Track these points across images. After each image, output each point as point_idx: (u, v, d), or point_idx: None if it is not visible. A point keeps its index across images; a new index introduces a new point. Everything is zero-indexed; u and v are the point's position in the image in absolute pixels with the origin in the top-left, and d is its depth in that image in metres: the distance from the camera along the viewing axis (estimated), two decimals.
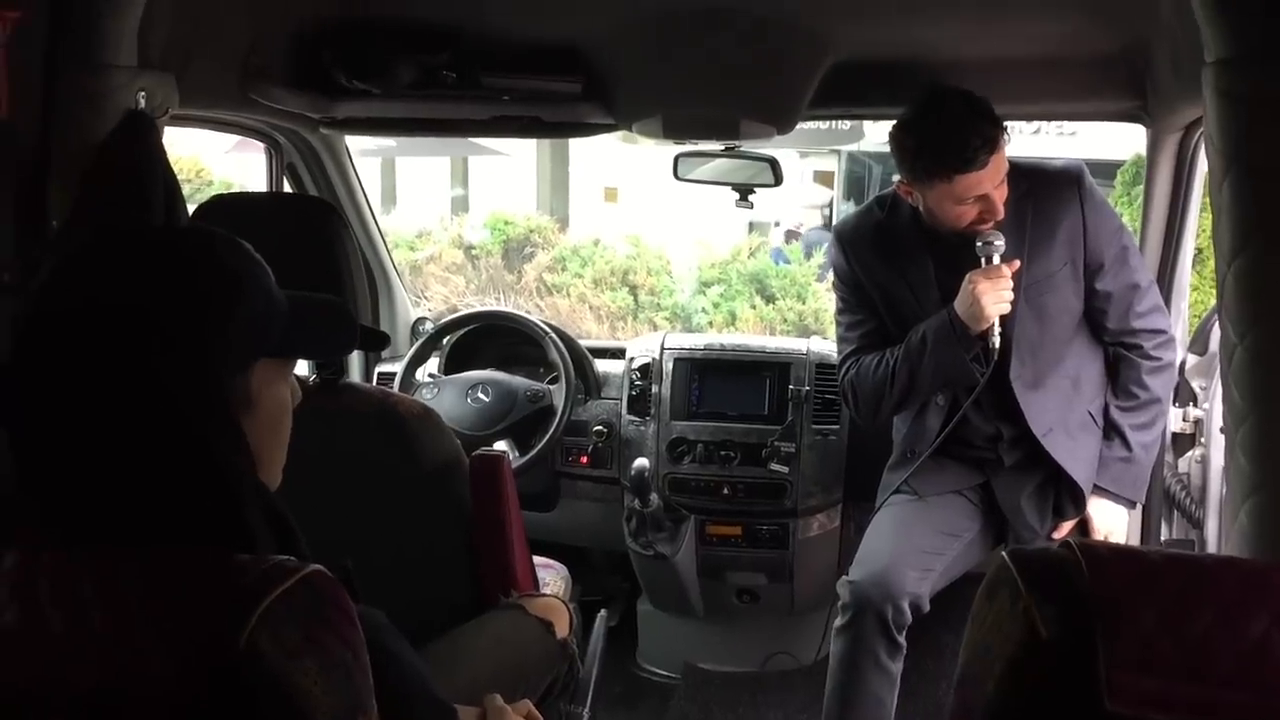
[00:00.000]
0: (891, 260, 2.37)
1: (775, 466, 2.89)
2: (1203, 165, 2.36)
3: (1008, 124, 2.21)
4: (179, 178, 1.82)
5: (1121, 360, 2.37)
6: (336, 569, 0.93)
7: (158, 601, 0.87)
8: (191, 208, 1.81)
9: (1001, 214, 2.20)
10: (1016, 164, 2.27)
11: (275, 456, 1.09)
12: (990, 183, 2.17)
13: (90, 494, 0.95)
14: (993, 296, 2.20)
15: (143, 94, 1.72)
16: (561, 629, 1.79)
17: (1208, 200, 1.73)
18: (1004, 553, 0.87)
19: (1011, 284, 2.21)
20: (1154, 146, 2.40)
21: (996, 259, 2.21)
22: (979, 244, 2.22)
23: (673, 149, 2.72)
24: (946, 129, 2.15)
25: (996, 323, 2.23)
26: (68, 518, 0.95)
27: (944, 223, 2.24)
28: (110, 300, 0.96)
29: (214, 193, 5.22)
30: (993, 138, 2.14)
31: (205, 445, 0.96)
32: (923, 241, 2.33)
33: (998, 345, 2.24)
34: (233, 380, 1.00)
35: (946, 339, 2.27)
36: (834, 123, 11.58)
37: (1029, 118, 2.63)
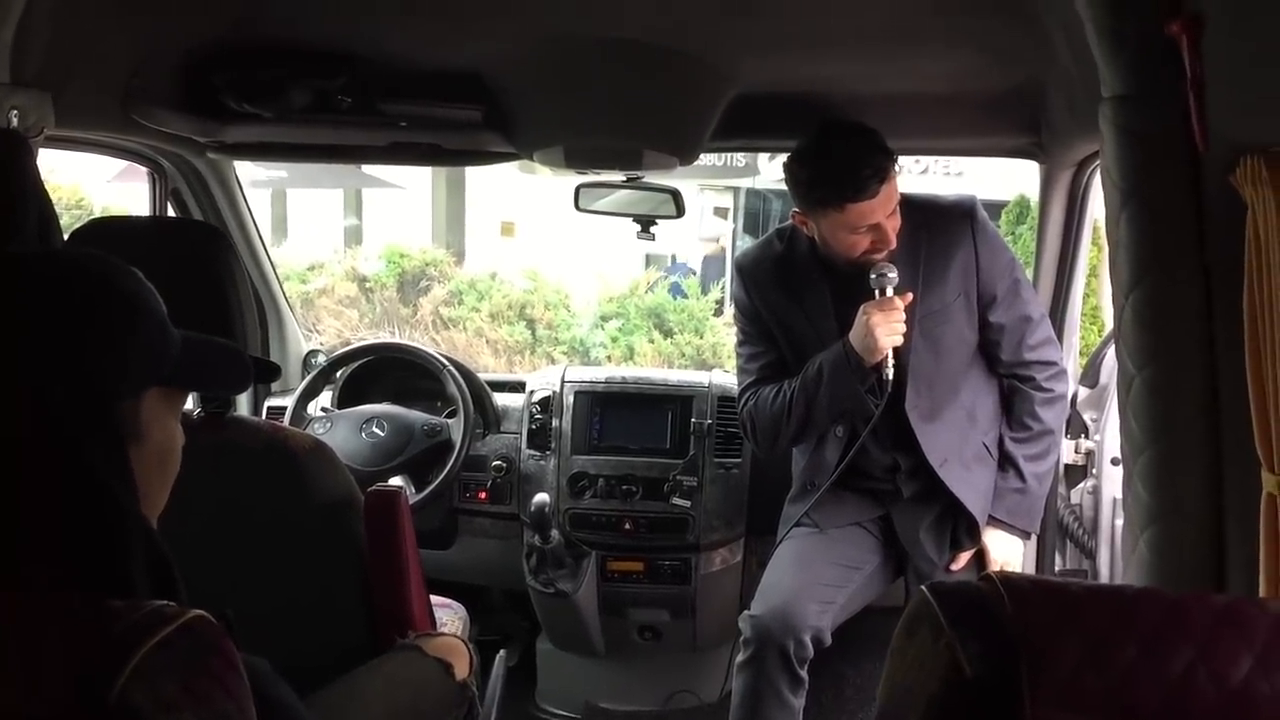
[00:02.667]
0: (790, 292, 2.39)
1: (677, 501, 2.86)
2: (1094, 200, 2.43)
3: (901, 160, 2.24)
4: (58, 206, 1.72)
5: (1015, 392, 2.41)
6: (216, 618, 0.87)
7: (20, 652, 0.80)
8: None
9: (893, 243, 2.23)
10: (911, 198, 2.30)
11: (159, 494, 1.04)
12: (881, 212, 2.20)
13: None
14: (885, 328, 2.22)
15: (15, 112, 1.64)
16: (461, 670, 1.73)
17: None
18: (923, 587, 0.85)
19: (904, 315, 2.23)
20: (1047, 182, 2.46)
21: (890, 290, 2.24)
22: (872, 275, 2.24)
23: (571, 180, 2.70)
24: (838, 159, 2.18)
25: (891, 354, 2.24)
26: None
27: (838, 252, 2.26)
28: None
29: None
30: (884, 167, 2.17)
31: (90, 472, 0.92)
32: (820, 273, 2.35)
33: (892, 376, 2.26)
34: (122, 407, 0.96)
35: (841, 370, 2.28)
36: (730, 159, 11.74)
37: (926, 153, 2.68)
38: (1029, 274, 2.47)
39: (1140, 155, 1.31)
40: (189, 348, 1.03)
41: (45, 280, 0.96)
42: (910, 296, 2.25)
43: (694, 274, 9.13)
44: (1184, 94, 1.23)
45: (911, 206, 2.29)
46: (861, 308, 2.24)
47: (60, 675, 0.79)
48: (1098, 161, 1.71)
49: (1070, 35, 1.67)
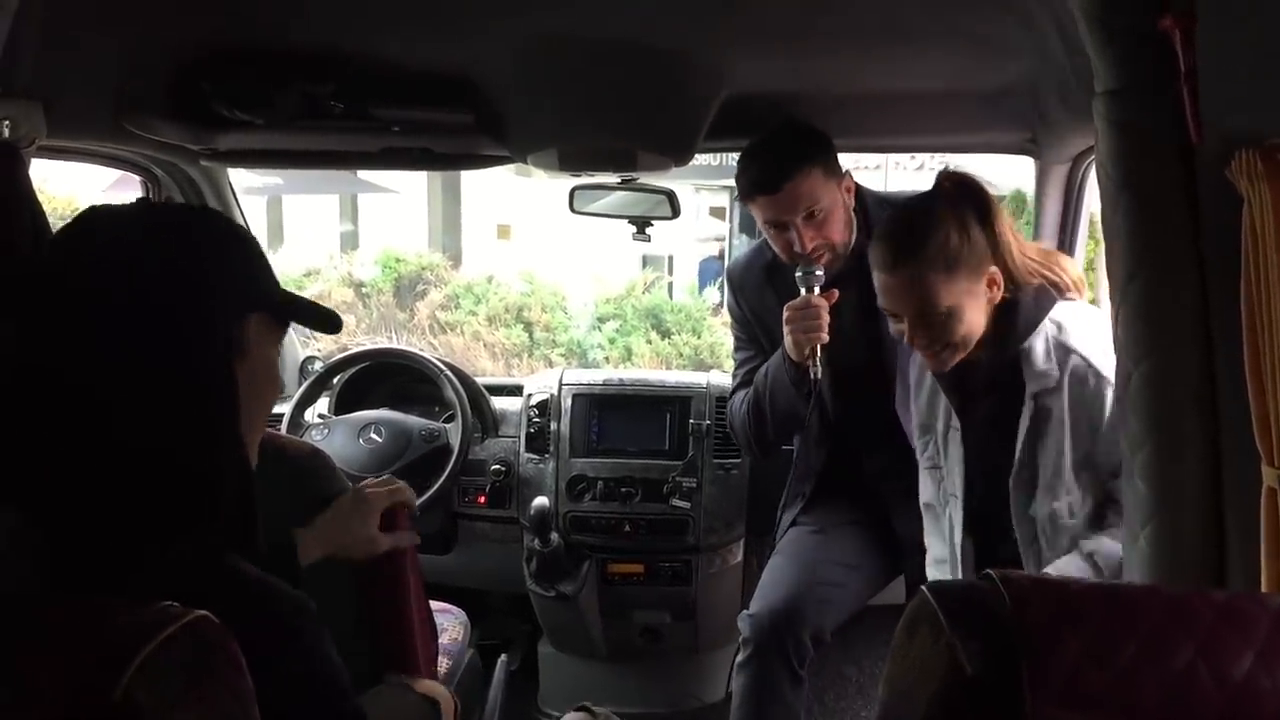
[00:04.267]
0: (776, 297, 2.40)
1: (677, 502, 2.86)
2: (1090, 195, 2.42)
3: (897, 157, 2.24)
4: (52, 217, 1.72)
5: None
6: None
7: (26, 652, 0.81)
8: None
9: (807, 248, 2.24)
10: (893, 199, 2.31)
11: (258, 415, 1.16)
12: (789, 212, 2.21)
13: (73, 420, 0.99)
14: (802, 326, 2.23)
15: (7, 123, 1.64)
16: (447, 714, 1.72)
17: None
18: (924, 586, 0.84)
19: (825, 315, 2.23)
20: (1043, 177, 2.46)
21: (817, 290, 2.24)
22: (798, 274, 2.25)
23: (567, 183, 2.69)
24: (759, 153, 2.24)
25: (819, 353, 2.24)
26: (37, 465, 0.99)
27: (777, 252, 2.28)
28: (115, 251, 1.05)
29: None
30: (799, 167, 2.20)
31: (196, 370, 1.03)
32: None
33: (818, 377, 2.26)
34: (230, 324, 1.08)
35: (779, 372, 2.31)
36: (726, 159, 11.74)
37: (921, 149, 2.68)
38: None
39: (1134, 149, 1.31)
40: (290, 295, 1.19)
41: (170, 217, 1.12)
42: (836, 295, 2.24)
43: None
44: (1177, 88, 1.23)
45: (888, 206, 2.30)
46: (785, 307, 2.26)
47: (65, 674, 0.79)
48: (1093, 156, 1.71)
49: (1063, 30, 1.67)
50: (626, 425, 2.96)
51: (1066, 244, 2.52)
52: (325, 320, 1.29)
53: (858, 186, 2.39)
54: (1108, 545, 1.86)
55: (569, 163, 2.42)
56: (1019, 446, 1.94)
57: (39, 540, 1.02)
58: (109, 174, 3.23)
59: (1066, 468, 1.90)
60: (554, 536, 2.73)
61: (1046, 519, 1.93)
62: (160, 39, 2.06)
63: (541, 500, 2.68)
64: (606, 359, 6.64)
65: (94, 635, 0.81)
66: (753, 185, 2.25)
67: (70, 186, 7.38)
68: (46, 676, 0.79)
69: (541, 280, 7.34)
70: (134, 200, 1.22)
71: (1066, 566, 1.88)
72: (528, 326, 6.83)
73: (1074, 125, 1.96)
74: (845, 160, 2.37)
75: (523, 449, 2.96)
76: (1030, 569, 1.95)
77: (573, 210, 2.74)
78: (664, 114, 2.28)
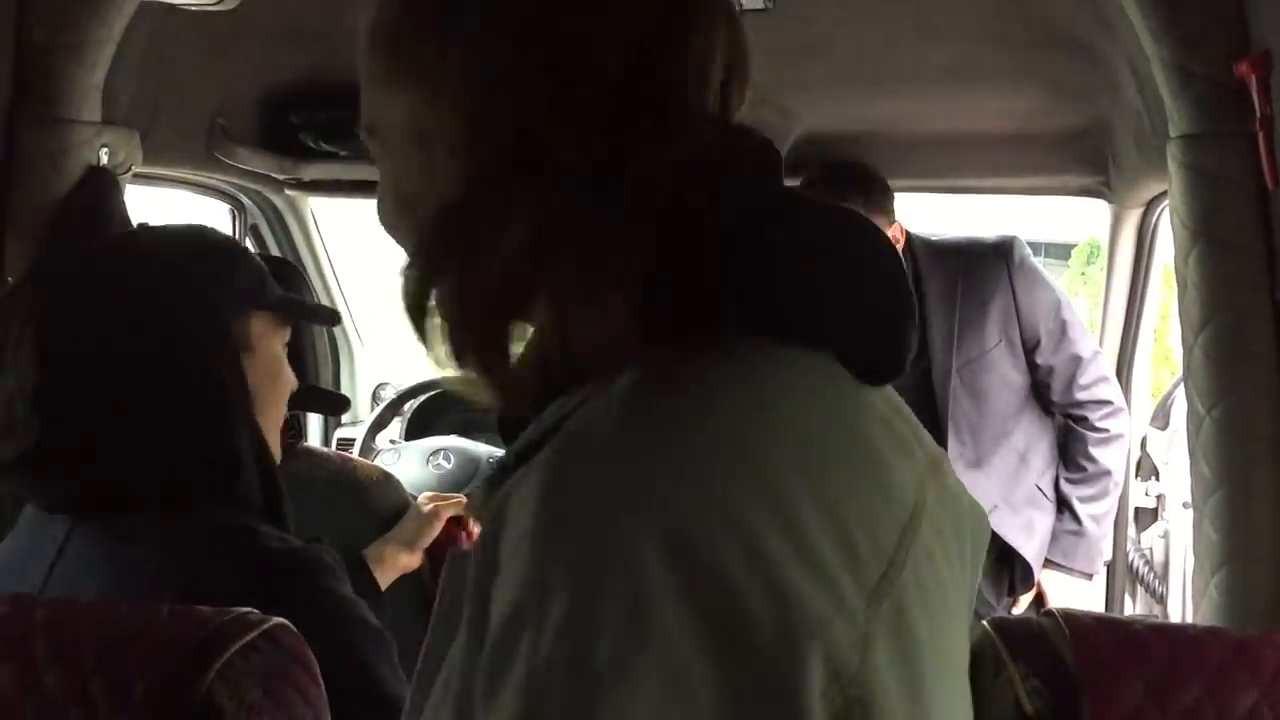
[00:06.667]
0: None
1: None
2: (1163, 241, 2.39)
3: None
4: None
5: (1069, 432, 2.36)
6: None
7: (111, 655, 0.85)
8: None
9: None
10: (946, 244, 2.29)
11: (273, 406, 1.24)
12: None
13: (101, 420, 1.08)
14: None
15: (105, 150, 1.69)
16: None
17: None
18: (984, 621, 0.85)
19: None
20: (1116, 222, 2.43)
21: None
22: None
23: None
24: (805, 185, 2.21)
25: None
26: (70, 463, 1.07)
27: None
28: (128, 264, 1.16)
29: None
30: (846, 200, 2.12)
31: (205, 362, 1.12)
32: None
33: None
34: (234, 323, 1.17)
35: None
36: None
37: (991, 192, 2.65)
38: (1075, 310, 2.41)
39: (1209, 194, 1.30)
40: (288, 297, 1.28)
41: (171, 238, 1.22)
42: None
43: None
44: (1253, 133, 1.22)
45: (946, 252, 2.28)
46: None
47: (149, 676, 0.82)
48: (1166, 201, 1.69)
49: (1137, 72, 1.66)
50: None
51: (1139, 289, 2.48)
52: (324, 316, 1.43)
53: (909, 235, 2.35)
54: None
55: None
56: None
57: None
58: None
59: None
60: None
61: None
62: (252, 73, 2.14)
63: None
64: None
65: (180, 639, 0.84)
66: None
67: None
68: (134, 677, 0.82)
69: None
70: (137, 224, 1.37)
71: None
72: None
73: (1147, 169, 1.95)
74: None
75: None
76: None
77: None
78: None
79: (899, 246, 2.29)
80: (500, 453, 3.06)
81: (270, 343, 1.24)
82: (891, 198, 2.25)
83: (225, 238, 1.26)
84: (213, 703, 0.81)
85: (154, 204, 2.32)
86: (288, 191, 2.69)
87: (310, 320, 1.34)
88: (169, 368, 1.11)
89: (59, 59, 1.59)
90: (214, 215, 2.70)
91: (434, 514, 1.71)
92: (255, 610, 0.89)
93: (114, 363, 1.09)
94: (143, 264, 1.17)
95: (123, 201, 1.76)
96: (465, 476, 2.85)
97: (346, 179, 2.52)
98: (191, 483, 1.10)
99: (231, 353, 1.16)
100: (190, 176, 2.34)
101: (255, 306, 1.22)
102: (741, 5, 1.69)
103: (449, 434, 3.00)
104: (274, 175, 2.41)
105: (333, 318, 1.48)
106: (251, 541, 1.07)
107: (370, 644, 1.08)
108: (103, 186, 1.69)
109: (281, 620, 0.88)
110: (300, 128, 2.25)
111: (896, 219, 2.28)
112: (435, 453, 2.90)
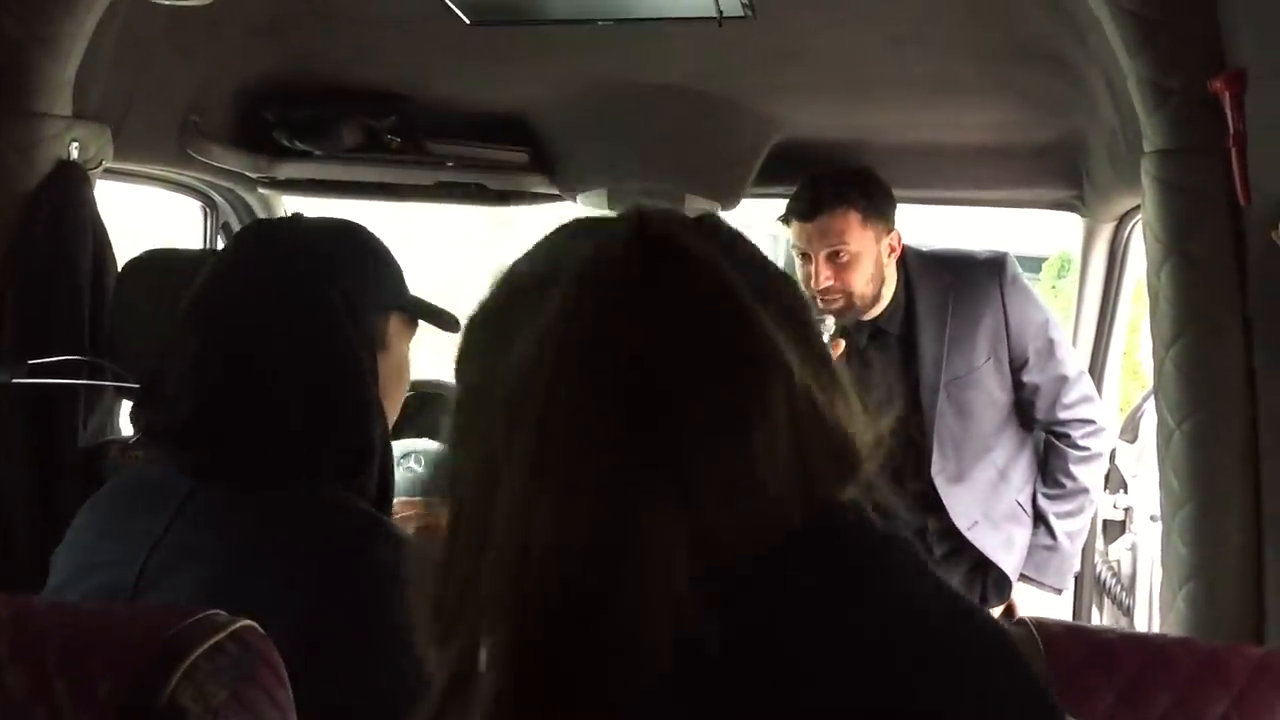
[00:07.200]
0: None
1: None
2: (1135, 255, 2.41)
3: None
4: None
5: (1050, 449, 2.36)
6: None
7: (75, 655, 0.83)
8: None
9: (819, 285, 2.19)
10: (940, 255, 2.29)
11: (393, 404, 1.28)
12: (815, 244, 2.18)
13: (249, 394, 1.11)
14: None
15: (75, 145, 1.68)
16: None
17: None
18: None
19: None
20: (1088, 236, 2.45)
21: (825, 338, 2.21)
22: None
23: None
24: (816, 180, 2.20)
25: None
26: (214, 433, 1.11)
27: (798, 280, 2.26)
28: (289, 255, 1.20)
29: None
30: (842, 199, 2.15)
31: (355, 354, 1.16)
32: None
33: None
34: (375, 320, 1.22)
35: None
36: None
37: (966, 203, 2.65)
38: (1063, 330, 2.42)
39: (1182, 209, 1.31)
40: (418, 298, 1.32)
41: (329, 232, 1.26)
42: (842, 346, 2.20)
43: None
44: (1226, 149, 1.23)
45: (940, 264, 2.27)
46: None
47: (113, 678, 0.81)
48: (1139, 215, 1.71)
49: (1112, 88, 1.68)
50: None
51: (1111, 303, 2.50)
52: (447, 321, 1.44)
53: (906, 248, 2.32)
54: None
55: (619, 203, 2.44)
56: None
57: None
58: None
59: None
60: None
61: None
62: (227, 69, 2.12)
63: None
64: None
65: (144, 639, 0.83)
66: (791, 208, 2.23)
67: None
68: (99, 678, 0.81)
69: None
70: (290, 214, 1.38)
71: None
72: None
73: (1121, 184, 1.96)
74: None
75: None
76: None
77: None
78: (714, 158, 2.30)
79: (895, 256, 2.27)
80: None
81: (401, 342, 1.29)
82: (893, 205, 2.24)
83: (375, 237, 1.30)
84: (177, 705, 0.79)
85: (125, 200, 2.29)
86: (261, 190, 2.66)
87: (437, 324, 1.36)
88: (321, 356, 1.15)
89: (31, 52, 1.57)
90: (186, 212, 2.68)
91: (405, 521, 1.69)
92: (222, 611, 0.87)
93: (269, 347, 1.13)
94: (302, 255, 1.20)
95: (93, 197, 1.74)
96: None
97: (320, 178, 2.50)
98: (325, 465, 1.13)
99: (372, 350, 1.21)
100: (162, 173, 2.31)
101: (395, 307, 1.27)
102: (722, 12, 1.70)
103: (420, 437, 2.99)
104: (247, 174, 2.39)
105: (456, 324, 1.48)
106: (375, 524, 1.11)
107: None
108: (73, 181, 1.67)
109: (249, 622, 0.87)
110: (275, 125, 2.23)
111: (895, 228, 2.27)
112: (406, 456, 2.87)
